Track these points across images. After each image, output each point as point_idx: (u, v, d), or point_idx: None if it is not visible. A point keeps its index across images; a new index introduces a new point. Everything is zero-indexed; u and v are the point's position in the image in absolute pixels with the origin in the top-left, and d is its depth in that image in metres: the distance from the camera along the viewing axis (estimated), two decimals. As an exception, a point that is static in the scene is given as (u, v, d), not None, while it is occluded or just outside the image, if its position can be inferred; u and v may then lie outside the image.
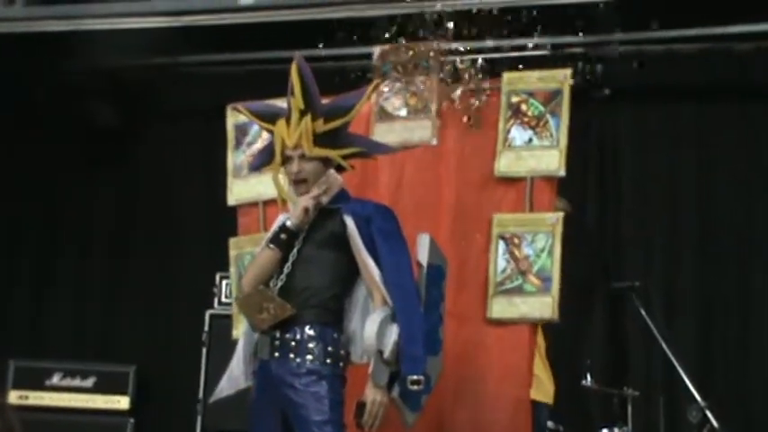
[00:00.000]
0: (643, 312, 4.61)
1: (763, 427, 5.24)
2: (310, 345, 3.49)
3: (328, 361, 3.49)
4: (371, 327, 3.47)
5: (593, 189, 5.66)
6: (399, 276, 3.57)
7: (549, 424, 4.50)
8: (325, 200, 3.63)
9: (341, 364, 3.53)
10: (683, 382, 4.43)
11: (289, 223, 3.59)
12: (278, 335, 3.52)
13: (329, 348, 3.50)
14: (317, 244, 3.59)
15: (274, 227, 3.72)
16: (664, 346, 4.53)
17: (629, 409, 4.59)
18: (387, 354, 3.46)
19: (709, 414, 4.30)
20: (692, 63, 5.49)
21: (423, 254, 3.75)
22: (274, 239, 3.61)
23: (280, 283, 3.56)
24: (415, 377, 3.47)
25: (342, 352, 3.54)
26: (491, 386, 4.06)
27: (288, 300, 3.51)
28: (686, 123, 5.64)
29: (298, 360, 3.47)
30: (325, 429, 3.41)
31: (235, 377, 3.72)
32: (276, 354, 3.51)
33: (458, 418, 4.07)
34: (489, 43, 5.27)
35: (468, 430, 4.06)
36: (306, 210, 3.57)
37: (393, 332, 3.47)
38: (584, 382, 4.71)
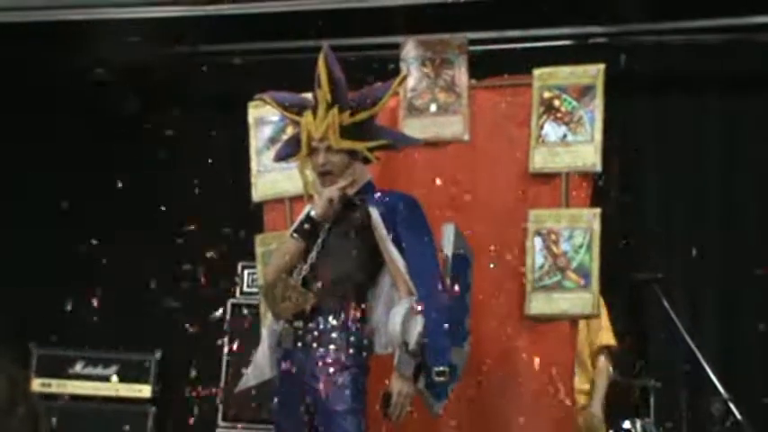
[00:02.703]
0: (666, 304, 4.59)
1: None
2: (333, 335, 3.50)
3: (351, 351, 3.50)
4: (396, 318, 3.47)
5: (616, 180, 5.61)
6: (424, 267, 3.56)
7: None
8: (350, 192, 3.63)
9: (364, 354, 3.54)
10: (706, 374, 4.41)
11: (313, 213, 3.60)
12: (301, 324, 3.53)
13: (352, 338, 3.51)
14: (341, 235, 3.59)
15: (300, 218, 3.73)
16: (687, 337, 4.51)
17: (652, 400, 4.58)
18: (412, 345, 3.46)
19: (732, 407, 4.28)
20: (715, 54, 5.45)
21: (447, 244, 3.75)
22: (298, 229, 3.62)
23: (303, 273, 3.57)
24: (440, 368, 3.47)
25: (365, 342, 3.54)
26: (533, 383, 4.05)
27: (311, 289, 3.52)
28: (710, 114, 5.60)
29: (321, 350, 3.48)
30: (347, 419, 3.42)
31: (260, 367, 3.73)
32: (299, 343, 3.52)
33: (501, 415, 4.06)
34: (513, 33, 5.27)
35: (513, 428, 4.06)
36: (330, 200, 3.57)
37: (418, 323, 3.46)
38: (606, 373, 4.70)
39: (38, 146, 6.37)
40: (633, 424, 4.44)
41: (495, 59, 5.20)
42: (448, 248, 3.73)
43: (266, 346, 3.71)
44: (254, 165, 4.48)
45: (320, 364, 3.47)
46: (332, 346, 3.49)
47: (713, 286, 5.42)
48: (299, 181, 3.98)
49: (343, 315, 3.53)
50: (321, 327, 3.51)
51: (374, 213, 3.58)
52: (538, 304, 4.07)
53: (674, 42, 5.49)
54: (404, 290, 3.54)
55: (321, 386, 3.45)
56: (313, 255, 3.58)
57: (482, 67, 4.71)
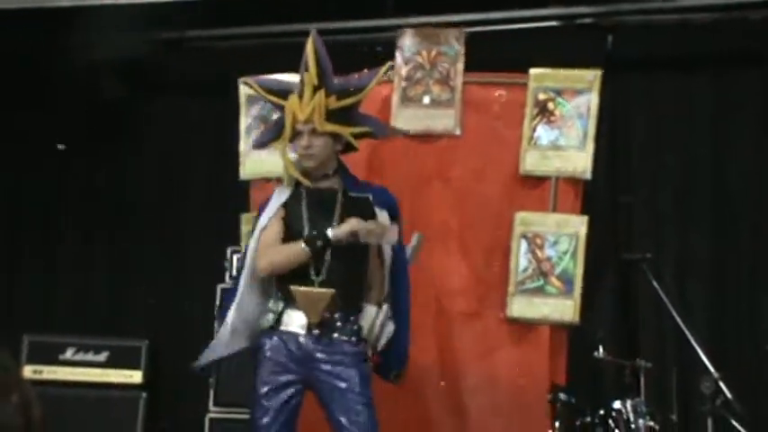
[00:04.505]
0: (655, 284, 4.60)
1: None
2: (354, 327, 3.61)
3: (363, 343, 3.65)
4: (377, 326, 3.65)
5: (605, 159, 5.60)
6: (407, 276, 3.78)
7: (562, 396, 4.52)
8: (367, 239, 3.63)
9: (364, 343, 3.63)
10: (696, 353, 4.42)
11: (331, 236, 3.58)
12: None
13: (363, 331, 3.59)
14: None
15: (273, 202, 3.72)
16: (676, 317, 4.52)
17: (642, 380, 4.59)
18: (379, 348, 3.69)
19: (722, 385, 4.30)
20: (705, 32, 5.43)
21: (413, 254, 3.88)
22: (311, 243, 3.59)
23: (321, 278, 3.59)
24: (399, 372, 3.77)
25: (362, 334, 3.62)
26: (510, 384, 4.09)
27: (328, 285, 3.59)
28: (700, 93, 5.60)
29: (343, 340, 3.56)
30: (369, 408, 3.55)
31: (221, 344, 3.73)
32: (316, 331, 3.55)
33: (478, 414, 4.10)
34: (500, 14, 5.25)
35: (489, 426, 4.09)
36: (354, 234, 3.58)
37: (389, 331, 3.68)
38: (596, 353, 4.70)
39: (23, 131, 6.36)
40: (624, 404, 4.46)
41: (482, 40, 5.19)
42: (411, 257, 3.84)
43: (229, 326, 3.71)
44: (242, 143, 4.47)
45: (343, 353, 3.54)
46: (353, 338, 3.60)
47: (703, 265, 5.43)
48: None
49: (355, 308, 3.63)
50: (341, 318, 3.58)
51: (383, 216, 3.66)
52: (519, 307, 4.11)
53: (663, 22, 5.48)
54: (379, 291, 3.67)
55: (343, 374, 3.53)
56: (329, 255, 3.60)
57: (469, 48, 4.70)
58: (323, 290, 3.56)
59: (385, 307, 3.67)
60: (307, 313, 3.57)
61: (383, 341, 3.67)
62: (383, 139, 4.02)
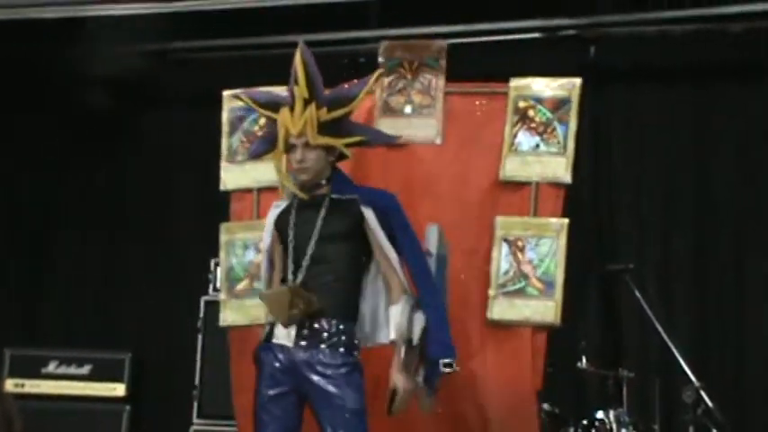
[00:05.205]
0: (638, 294, 4.62)
1: (758, 407, 5.27)
2: (342, 337, 3.54)
3: (355, 352, 3.56)
4: (402, 318, 3.55)
5: (587, 170, 5.64)
6: (422, 265, 3.66)
7: (545, 406, 4.53)
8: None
9: (355, 352, 3.58)
10: (678, 363, 4.44)
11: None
12: (306, 323, 3.53)
13: (354, 340, 3.58)
14: (336, 237, 3.58)
15: (269, 218, 3.72)
16: (659, 327, 4.54)
17: (624, 390, 4.61)
18: (415, 341, 3.55)
19: (703, 394, 4.32)
20: (686, 44, 5.48)
21: (432, 243, 3.79)
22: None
23: (300, 277, 3.56)
24: (448, 360, 3.56)
25: (356, 341, 3.59)
26: (494, 387, 4.08)
27: (311, 293, 3.53)
28: (681, 104, 5.64)
29: (331, 350, 3.51)
30: (362, 418, 3.49)
31: None
32: (303, 342, 3.52)
33: (464, 417, 4.10)
34: (483, 26, 5.28)
35: (477, 429, 4.10)
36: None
37: (420, 320, 3.56)
38: (579, 364, 4.72)
39: (11, 143, 6.35)
40: (606, 414, 4.47)
41: (465, 52, 5.21)
42: (432, 247, 3.78)
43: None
44: (223, 153, 4.48)
45: (332, 364, 3.50)
46: (341, 349, 3.52)
47: (685, 276, 5.46)
48: (267, 172, 4.00)
49: (344, 317, 3.56)
50: (329, 329, 3.53)
51: (368, 214, 3.61)
52: (500, 309, 4.11)
53: (644, 33, 5.52)
54: (398, 288, 3.61)
55: (333, 386, 3.48)
56: (308, 258, 3.57)
57: (452, 59, 4.72)
58: (279, 288, 3.54)
59: (404, 297, 3.59)
60: (276, 317, 3.55)
61: (417, 332, 3.56)
62: (378, 146, 4.04)
